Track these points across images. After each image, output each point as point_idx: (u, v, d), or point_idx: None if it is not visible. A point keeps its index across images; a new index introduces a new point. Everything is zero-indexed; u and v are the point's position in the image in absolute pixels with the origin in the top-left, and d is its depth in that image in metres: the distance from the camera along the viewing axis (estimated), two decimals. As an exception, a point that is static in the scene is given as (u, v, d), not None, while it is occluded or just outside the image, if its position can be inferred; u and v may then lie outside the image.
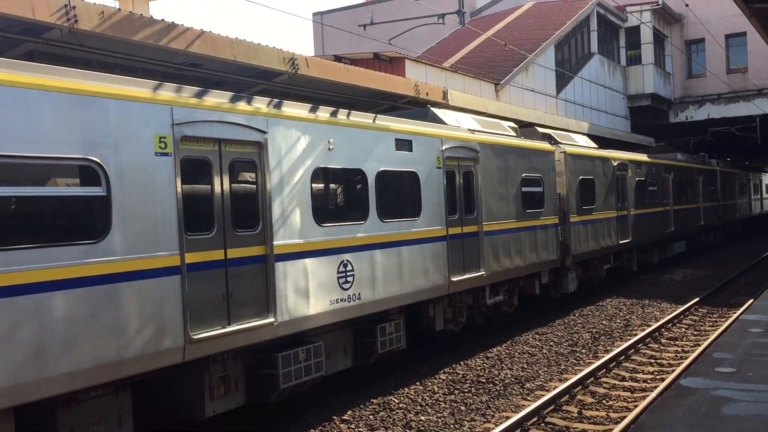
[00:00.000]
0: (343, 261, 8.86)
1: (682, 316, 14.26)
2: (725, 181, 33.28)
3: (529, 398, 9.16)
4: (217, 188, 7.22)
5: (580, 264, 16.45)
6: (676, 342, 12.21)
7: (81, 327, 5.87)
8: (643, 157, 21.93)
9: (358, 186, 9.42)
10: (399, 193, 10.23)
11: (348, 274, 8.97)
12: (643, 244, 21.00)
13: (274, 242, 7.79)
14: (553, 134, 16.54)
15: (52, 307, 5.68)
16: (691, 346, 11.78)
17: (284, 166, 8.08)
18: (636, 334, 12.60)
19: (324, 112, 8.88)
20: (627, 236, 19.09)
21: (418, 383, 9.95)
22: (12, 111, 5.56)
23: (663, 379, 9.63)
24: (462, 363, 10.99)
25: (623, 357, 11.09)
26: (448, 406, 8.93)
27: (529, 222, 13.77)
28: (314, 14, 48.79)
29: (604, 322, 13.98)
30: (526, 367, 10.75)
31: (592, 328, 13.41)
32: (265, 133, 7.81)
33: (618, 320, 14.11)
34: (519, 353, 11.56)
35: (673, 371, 9.97)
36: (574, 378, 9.51)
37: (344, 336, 9.36)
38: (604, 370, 10.34)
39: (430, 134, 10.95)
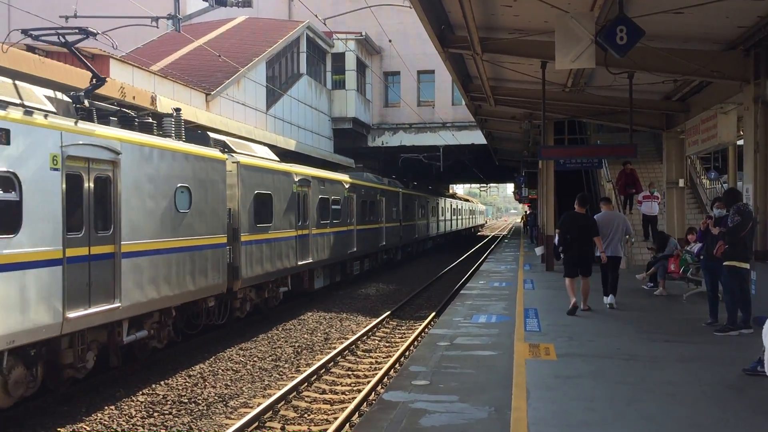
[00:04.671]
0: None
1: (375, 329, 15.25)
2: (433, 205, 42.36)
3: (232, 417, 9.03)
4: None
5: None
6: (371, 354, 13.01)
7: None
8: (403, 189, 32.32)
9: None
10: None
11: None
12: (409, 243, 33.73)
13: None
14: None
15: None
16: (383, 358, 12.63)
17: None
18: (335, 347, 13.17)
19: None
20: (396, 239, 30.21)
21: (113, 407, 9.25)
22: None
23: (360, 391, 10.16)
24: (162, 383, 10.48)
25: (323, 370, 11.50)
26: (146, 431, 8.44)
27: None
28: (0, -6, 43.38)
29: (306, 336, 14.39)
30: (230, 384, 10.60)
31: (295, 342, 13.73)
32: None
33: (319, 334, 14.63)
34: (223, 370, 11.38)
35: (368, 382, 10.58)
36: (278, 393, 9.61)
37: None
38: (306, 384, 10.62)
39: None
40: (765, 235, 10.95)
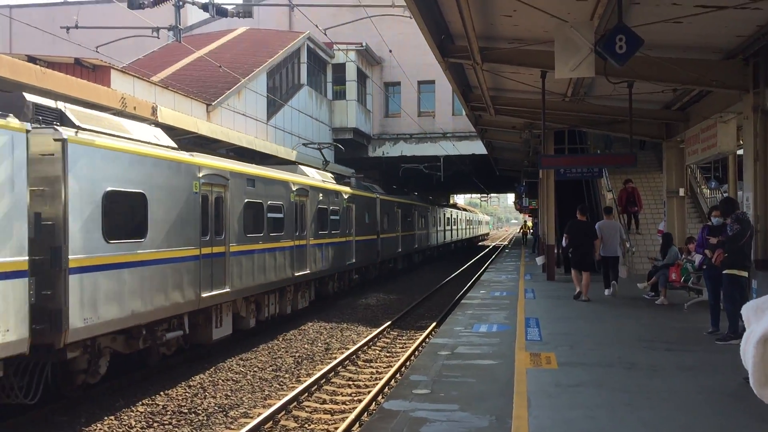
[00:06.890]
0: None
1: (376, 339, 15.22)
2: (454, 217, 51.09)
3: (232, 427, 9.01)
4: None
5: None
6: (372, 364, 12.98)
7: None
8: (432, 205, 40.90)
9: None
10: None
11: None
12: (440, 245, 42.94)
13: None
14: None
15: None
16: (384, 367, 12.61)
17: None
18: (336, 357, 13.14)
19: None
20: (415, 245, 35.17)
21: (112, 417, 9.23)
22: None
23: (360, 401, 10.14)
24: (162, 393, 10.46)
25: (324, 380, 11.48)
26: (147, 441, 8.42)
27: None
28: None
29: (306, 345, 14.37)
30: (230, 394, 10.58)
31: (295, 352, 13.70)
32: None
33: (319, 344, 14.60)
34: (223, 380, 11.36)
35: (369, 392, 10.56)
36: (278, 404, 9.59)
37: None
38: (307, 394, 10.60)
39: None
40: (765, 244, 10.94)
